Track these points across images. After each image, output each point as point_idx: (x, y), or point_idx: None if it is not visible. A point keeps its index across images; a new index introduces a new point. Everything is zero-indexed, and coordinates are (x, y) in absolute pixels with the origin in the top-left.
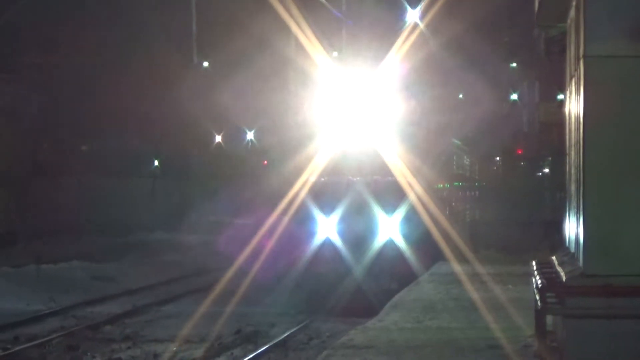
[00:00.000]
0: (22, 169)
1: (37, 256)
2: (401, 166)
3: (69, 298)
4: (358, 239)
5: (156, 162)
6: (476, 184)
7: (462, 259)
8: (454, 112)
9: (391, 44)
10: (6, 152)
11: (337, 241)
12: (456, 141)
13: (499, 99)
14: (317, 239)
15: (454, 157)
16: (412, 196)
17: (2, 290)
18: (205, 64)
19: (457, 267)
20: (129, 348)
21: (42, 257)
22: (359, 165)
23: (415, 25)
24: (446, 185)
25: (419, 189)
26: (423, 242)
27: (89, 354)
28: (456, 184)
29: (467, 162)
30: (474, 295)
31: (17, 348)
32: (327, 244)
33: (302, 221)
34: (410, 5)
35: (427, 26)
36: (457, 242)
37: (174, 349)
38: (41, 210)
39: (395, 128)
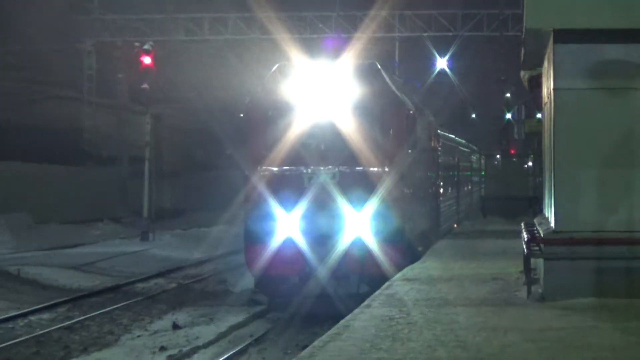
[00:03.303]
0: (187, 165)
1: (197, 223)
2: (372, 155)
3: (218, 250)
4: (323, 237)
5: None
6: (482, 173)
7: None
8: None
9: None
10: (176, 154)
11: (300, 240)
12: (472, 145)
13: (498, 117)
14: (277, 238)
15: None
16: (383, 188)
17: (176, 245)
18: None
19: (472, 227)
20: None
21: (201, 223)
22: (323, 154)
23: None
24: (430, 174)
25: (391, 180)
26: (397, 239)
27: (232, 285)
28: (468, 173)
29: (475, 158)
30: (485, 244)
31: (186, 282)
32: (288, 244)
33: (259, 218)
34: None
35: (453, 71)
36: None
37: None
38: (200, 193)
39: (366, 113)
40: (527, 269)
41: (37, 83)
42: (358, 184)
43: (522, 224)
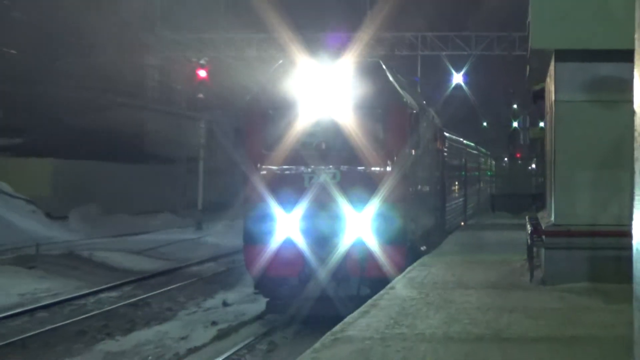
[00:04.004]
0: (225, 165)
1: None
2: (374, 154)
3: None
4: (323, 239)
5: None
6: (488, 173)
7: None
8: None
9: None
10: (215, 155)
11: (299, 241)
12: (482, 148)
13: (506, 125)
14: (276, 239)
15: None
16: (385, 189)
17: (225, 234)
18: None
19: (483, 220)
20: None
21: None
22: (324, 153)
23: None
24: (435, 174)
25: (393, 181)
26: (399, 240)
27: None
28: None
29: (484, 160)
30: (494, 236)
31: (234, 266)
32: (288, 245)
33: (258, 218)
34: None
35: (467, 85)
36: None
37: None
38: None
39: (368, 112)
40: (530, 257)
41: (108, 92)
42: (359, 184)
43: (526, 218)
